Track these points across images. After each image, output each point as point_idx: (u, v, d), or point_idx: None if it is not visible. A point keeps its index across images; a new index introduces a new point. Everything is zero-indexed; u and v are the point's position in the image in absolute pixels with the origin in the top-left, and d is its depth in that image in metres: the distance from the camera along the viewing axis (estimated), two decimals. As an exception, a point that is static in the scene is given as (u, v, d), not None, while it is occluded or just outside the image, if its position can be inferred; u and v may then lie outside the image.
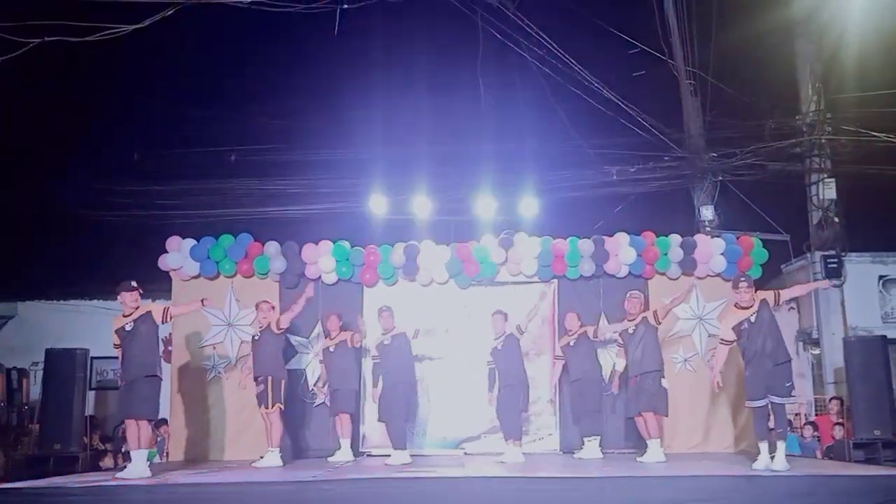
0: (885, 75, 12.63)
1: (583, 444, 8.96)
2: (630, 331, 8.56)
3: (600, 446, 8.87)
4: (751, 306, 7.44)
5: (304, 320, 9.64)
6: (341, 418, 8.99)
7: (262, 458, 8.42)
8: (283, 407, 8.45)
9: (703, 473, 7.15)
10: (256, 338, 8.60)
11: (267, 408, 8.37)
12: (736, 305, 7.57)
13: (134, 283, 7.72)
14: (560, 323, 9.47)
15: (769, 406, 7.27)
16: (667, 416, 8.51)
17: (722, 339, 7.66)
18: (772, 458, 7.11)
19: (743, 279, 7.61)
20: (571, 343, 9.04)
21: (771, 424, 7.41)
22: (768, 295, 7.50)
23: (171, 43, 12.86)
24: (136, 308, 7.64)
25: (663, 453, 8.23)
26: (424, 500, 6.45)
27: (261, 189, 13.94)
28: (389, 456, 8.56)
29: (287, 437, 8.88)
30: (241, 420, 9.46)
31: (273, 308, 8.76)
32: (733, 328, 7.48)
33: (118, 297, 7.72)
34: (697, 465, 7.87)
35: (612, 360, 9.42)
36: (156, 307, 7.76)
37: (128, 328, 7.55)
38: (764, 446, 7.24)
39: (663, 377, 8.46)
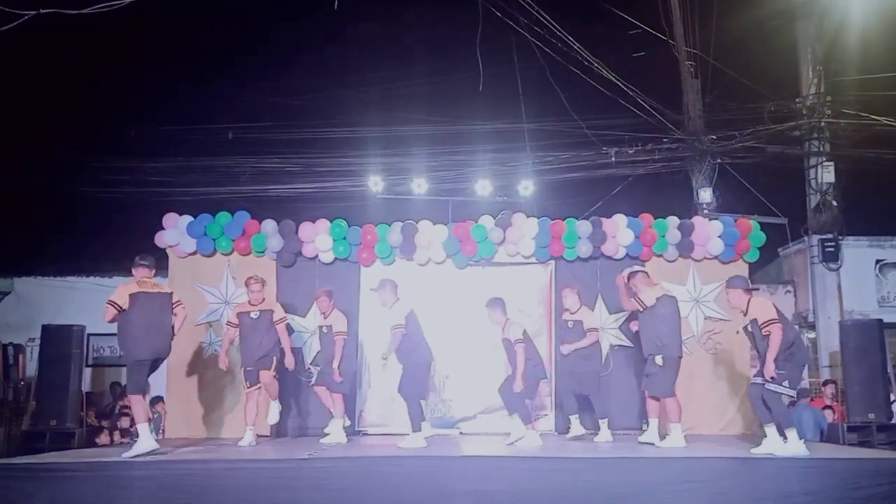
0: (887, 59, 12.60)
1: (569, 423, 8.80)
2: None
3: (583, 426, 8.72)
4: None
5: (301, 299, 9.65)
6: (333, 397, 8.80)
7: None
8: (248, 389, 8.47)
9: (696, 455, 7.18)
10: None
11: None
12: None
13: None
14: (558, 303, 9.43)
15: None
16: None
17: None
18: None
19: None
20: (570, 325, 8.82)
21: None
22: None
23: (169, 18, 12.79)
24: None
25: (658, 436, 8.21)
26: (419, 478, 6.48)
27: (258, 167, 13.92)
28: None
29: (284, 416, 8.91)
30: (237, 397, 9.43)
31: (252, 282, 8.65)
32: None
33: (139, 271, 7.55)
34: (691, 447, 7.87)
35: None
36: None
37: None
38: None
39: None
